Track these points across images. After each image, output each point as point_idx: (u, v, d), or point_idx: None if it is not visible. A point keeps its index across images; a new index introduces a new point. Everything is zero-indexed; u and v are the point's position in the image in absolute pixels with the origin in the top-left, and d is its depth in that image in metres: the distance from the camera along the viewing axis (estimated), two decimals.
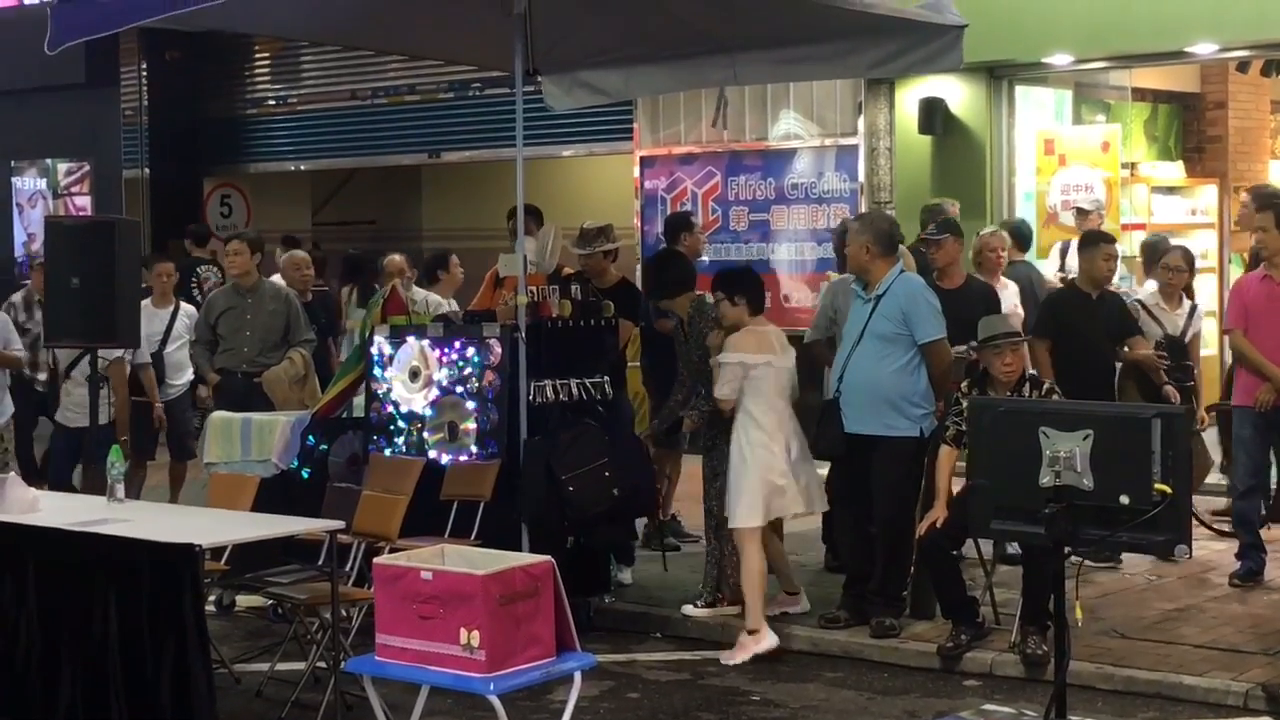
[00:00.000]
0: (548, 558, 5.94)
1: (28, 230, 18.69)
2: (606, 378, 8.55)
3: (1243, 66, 13.35)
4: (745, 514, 7.83)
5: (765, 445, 7.85)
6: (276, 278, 11.46)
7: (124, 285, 9.38)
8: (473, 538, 7.80)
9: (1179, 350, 9.55)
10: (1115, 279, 9.78)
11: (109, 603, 6.20)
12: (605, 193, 15.10)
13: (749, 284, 8.13)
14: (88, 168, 18.37)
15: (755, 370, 7.88)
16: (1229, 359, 9.67)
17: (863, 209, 12.87)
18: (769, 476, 7.83)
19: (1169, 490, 4.50)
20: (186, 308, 11.29)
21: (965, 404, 7.45)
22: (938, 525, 7.48)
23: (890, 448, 7.91)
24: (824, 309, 8.91)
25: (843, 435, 7.99)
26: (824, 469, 8.27)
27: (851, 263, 8.23)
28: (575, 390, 8.35)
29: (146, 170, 17.84)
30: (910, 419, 7.92)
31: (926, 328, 7.96)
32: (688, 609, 8.40)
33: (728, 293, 8.04)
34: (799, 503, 7.97)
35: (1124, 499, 4.55)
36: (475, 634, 5.31)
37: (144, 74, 17.77)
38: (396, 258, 12.53)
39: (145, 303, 10.40)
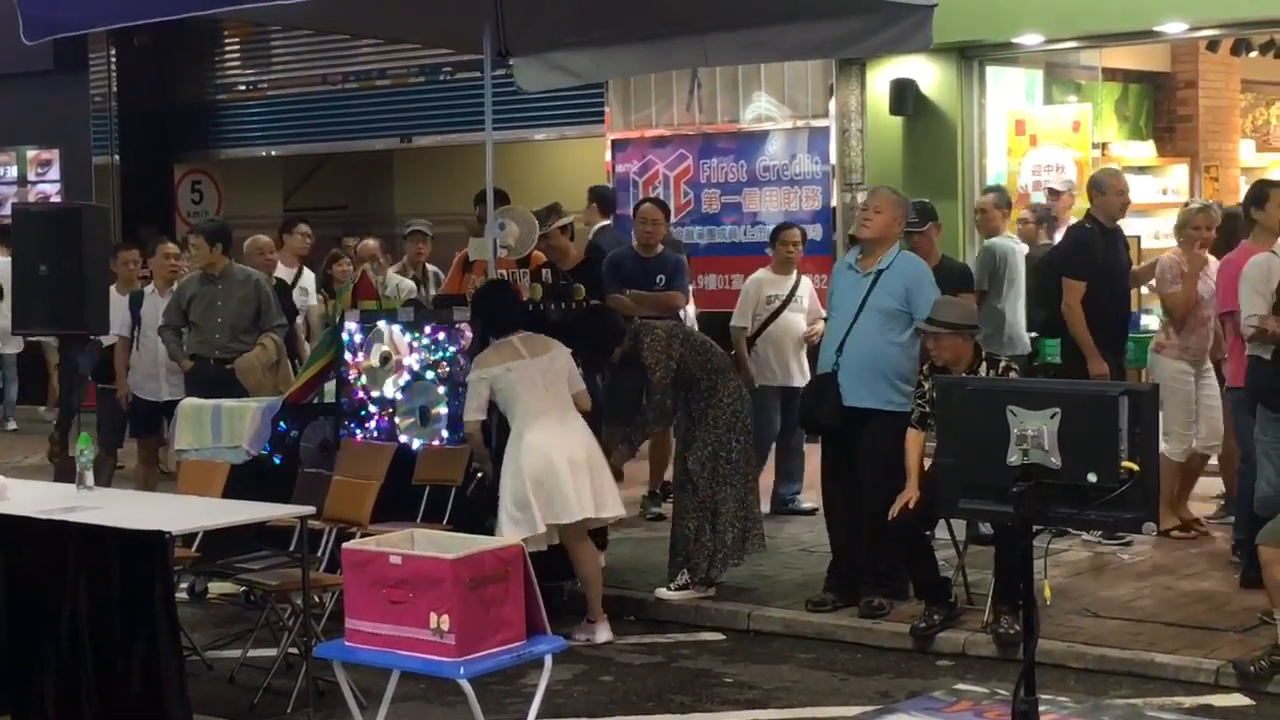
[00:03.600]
0: (518, 542, 5.94)
1: None
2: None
3: (1213, 45, 13.37)
4: (509, 528, 7.52)
5: (536, 450, 7.61)
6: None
7: (91, 272, 9.34)
8: (444, 522, 7.80)
9: None
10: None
11: (79, 591, 6.17)
12: (577, 176, 15.03)
13: (477, 310, 8.13)
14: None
15: (499, 381, 7.69)
16: None
17: (834, 191, 12.91)
18: (535, 482, 7.59)
19: (1136, 468, 4.50)
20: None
21: (926, 386, 7.48)
22: (909, 506, 7.49)
23: (886, 422, 7.87)
24: None
25: (839, 408, 7.99)
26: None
27: (880, 230, 8.02)
28: None
29: (116, 157, 17.74)
30: (904, 395, 7.91)
31: (928, 307, 7.96)
32: (661, 592, 8.40)
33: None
34: (580, 508, 7.67)
35: (1091, 477, 4.54)
36: (445, 618, 5.30)
37: (113, 60, 17.65)
38: (370, 242, 12.51)
39: (110, 289, 10.33)
